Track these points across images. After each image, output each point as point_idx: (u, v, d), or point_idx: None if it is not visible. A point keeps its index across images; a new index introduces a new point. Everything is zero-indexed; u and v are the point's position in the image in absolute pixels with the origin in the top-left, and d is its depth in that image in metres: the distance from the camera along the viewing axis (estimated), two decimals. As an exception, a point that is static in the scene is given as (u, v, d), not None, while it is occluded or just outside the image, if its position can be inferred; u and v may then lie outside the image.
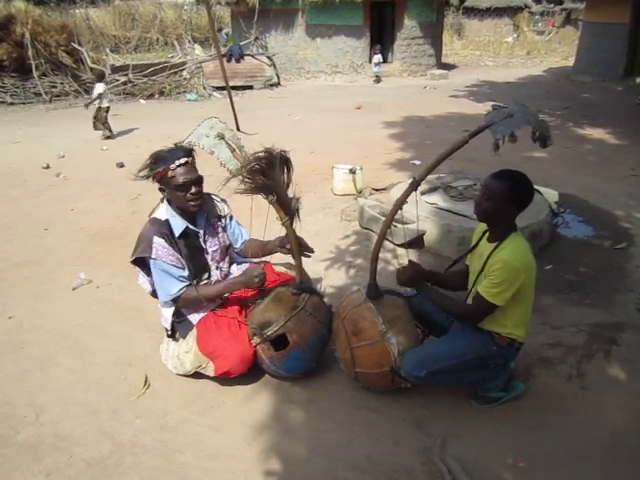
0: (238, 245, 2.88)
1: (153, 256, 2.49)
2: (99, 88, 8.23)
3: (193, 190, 2.49)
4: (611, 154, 7.21)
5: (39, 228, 4.85)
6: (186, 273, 2.58)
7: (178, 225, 2.56)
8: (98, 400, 2.67)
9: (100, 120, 8.22)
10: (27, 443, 2.40)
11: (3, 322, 3.37)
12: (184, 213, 2.58)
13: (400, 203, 2.38)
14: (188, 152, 2.49)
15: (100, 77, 8.71)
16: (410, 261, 2.55)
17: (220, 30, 18.68)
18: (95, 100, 8.22)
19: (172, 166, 2.42)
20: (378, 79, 15.00)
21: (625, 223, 4.74)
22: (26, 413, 2.58)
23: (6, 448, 2.37)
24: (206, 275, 2.72)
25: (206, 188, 2.63)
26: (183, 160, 2.43)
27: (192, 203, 2.52)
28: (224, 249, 2.82)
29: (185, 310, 2.70)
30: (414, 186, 2.35)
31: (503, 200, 2.23)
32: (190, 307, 2.68)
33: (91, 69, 12.33)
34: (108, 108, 8.35)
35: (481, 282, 2.30)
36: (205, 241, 2.69)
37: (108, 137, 8.23)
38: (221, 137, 2.47)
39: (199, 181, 2.52)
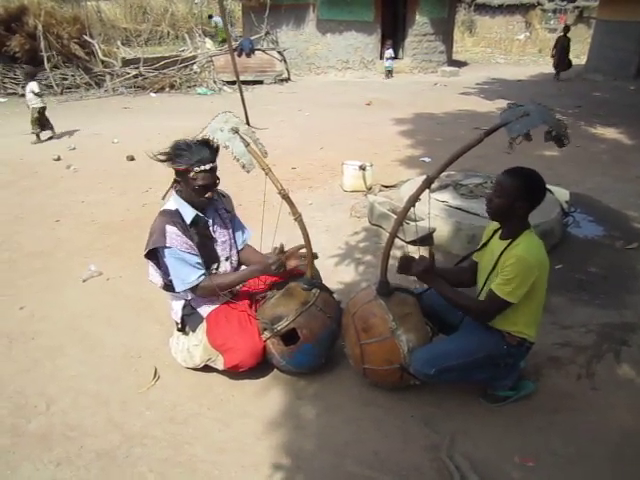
0: (239, 243, 2.88)
1: (168, 244, 2.47)
2: (34, 87, 7.62)
3: (208, 195, 2.51)
4: (623, 154, 7.16)
5: (50, 219, 4.88)
6: (201, 260, 2.58)
7: (188, 213, 2.55)
8: (108, 391, 2.69)
9: (35, 122, 7.62)
10: (38, 433, 2.42)
11: (15, 312, 3.40)
12: (192, 203, 2.58)
13: (413, 200, 2.37)
14: (214, 154, 2.47)
15: (32, 75, 8.10)
16: (423, 256, 2.53)
17: (210, 17, 18.68)
18: (37, 101, 7.58)
19: (195, 169, 2.41)
20: (389, 74, 14.95)
21: (637, 223, 4.71)
22: (37, 403, 2.60)
23: (17, 437, 2.40)
24: (215, 266, 2.71)
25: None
26: (208, 166, 2.42)
27: (203, 203, 2.56)
28: (233, 242, 2.82)
29: (195, 303, 2.71)
30: (427, 183, 2.34)
31: (514, 197, 2.20)
32: (205, 296, 2.67)
33: (102, 62, 12.38)
34: (44, 108, 7.71)
35: (494, 280, 2.29)
36: (214, 231, 2.70)
37: (45, 138, 7.73)
38: (235, 131, 2.47)
39: (215, 185, 2.54)
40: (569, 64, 14.12)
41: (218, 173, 2.54)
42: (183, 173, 2.45)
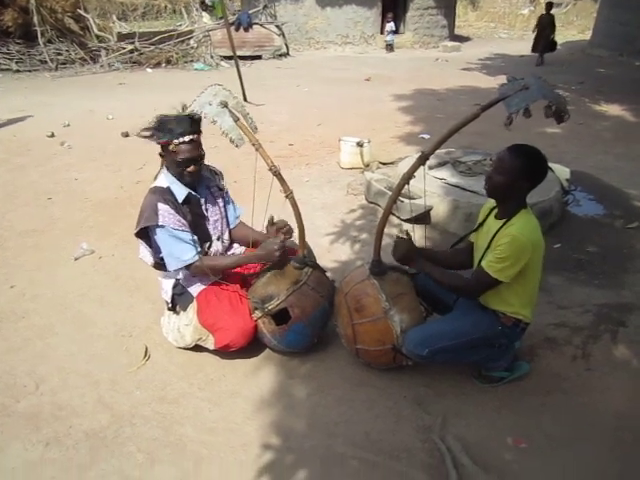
0: (231, 222, 2.82)
1: (160, 223, 2.41)
2: None
3: (191, 168, 2.44)
4: (626, 131, 7.04)
5: (43, 197, 4.82)
6: (195, 237, 2.53)
7: (180, 191, 2.50)
8: (98, 371, 2.66)
9: None
10: (27, 412, 2.40)
11: (5, 291, 3.36)
12: (182, 180, 2.52)
13: (407, 177, 2.30)
14: (196, 126, 2.40)
15: None
16: (401, 236, 2.47)
17: (203, 2, 18.23)
18: None
19: (175, 141, 2.35)
20: (390, 48, 14.70)
21: (637, 202, 4.63)
22: (26, 382, 2.58)
23: (6, 417, 2.38)
24: (207, 245, 2.66)
25: (211, 160, 2.56)
26: (187, 138, 2.36)
27: (188, 178, 2.48)
28: (224, 220, 2.77)
29: (185, 282, 2.66)
30: (422, 160, 2.27)
31: (515, 175, 2.13)
32: (199, 274, 2.62)
33: (97, 36, 12.16)
34: None
35: (486, 257, 2.23)
36: (207, 209, 2.65)
37: None
38: (224, 105, 2.39)
39: (199, 159, 2.46)
40: (553, 45, 12.44)
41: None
42: (165, 147, 2.40)
